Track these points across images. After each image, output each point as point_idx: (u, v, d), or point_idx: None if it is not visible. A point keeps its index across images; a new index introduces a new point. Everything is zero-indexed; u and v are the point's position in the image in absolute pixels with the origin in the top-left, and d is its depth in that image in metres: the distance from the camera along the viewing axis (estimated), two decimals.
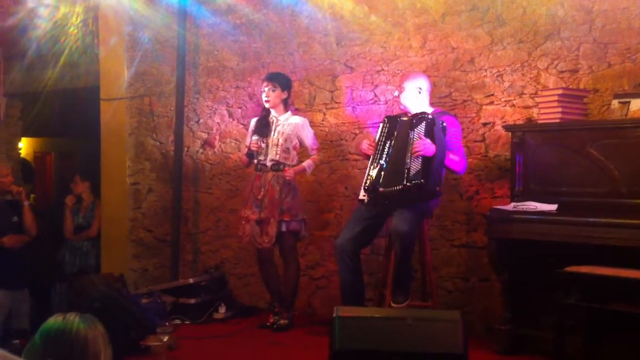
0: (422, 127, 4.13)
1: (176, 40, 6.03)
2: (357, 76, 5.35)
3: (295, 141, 4.86)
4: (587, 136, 3.95)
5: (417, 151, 4.05)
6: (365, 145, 4.38)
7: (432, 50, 5.00)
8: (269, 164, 4.78)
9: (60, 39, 6.49)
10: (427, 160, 4.07)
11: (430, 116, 4.15)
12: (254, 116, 5.62)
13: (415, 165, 4.07)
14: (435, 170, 4.12)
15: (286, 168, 4.77)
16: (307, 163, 4.88)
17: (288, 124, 4.84)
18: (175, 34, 6.04)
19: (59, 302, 5.96)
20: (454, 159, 4.24)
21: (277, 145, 4.78)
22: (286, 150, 4.80)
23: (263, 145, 4.81)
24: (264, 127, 4.85)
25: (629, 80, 4.25)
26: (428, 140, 4.06)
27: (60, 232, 6.29)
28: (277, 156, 4.77)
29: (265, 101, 4.83)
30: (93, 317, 2.17)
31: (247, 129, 5.80)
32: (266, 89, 4.83)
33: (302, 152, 5.05)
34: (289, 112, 4.93)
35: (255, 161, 4.85)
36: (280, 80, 4.86)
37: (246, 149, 4.91)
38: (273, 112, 4.87)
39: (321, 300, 5.40)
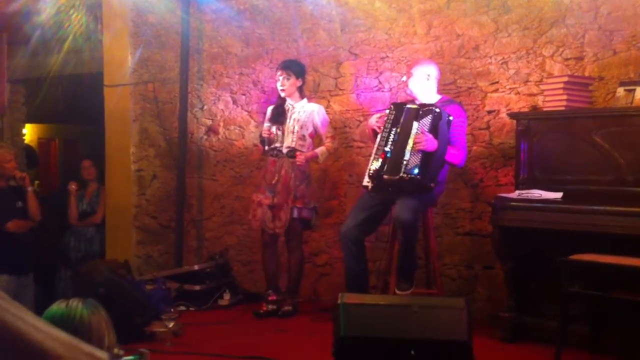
0: (427, 120, 4.12)
1: (180, 26, 6.01)
2: (361, 63, 5.33)
3: (311, 128, 4.86)
4: (592, 124, 3.94)
5: (418, 145, 4.05)
6: (374, 120, 4.38)
7: (437, 37, 4.98)
8: (284, 150, 4.79)
9: (64, 24, 6.47)
10: (426, 156, 4.08)
11: (437, 110, 4.13)
12: (257, 103, 5.63)
13: (414, 159, 4.08)
14: (433, 167, 4.13)
15: (297, 153, 4.77)
16: (320, 150, 4.87)
17: (304, 111, 4.84)
18: (179, 20, 6.02)
19: (64, 288, 5.99)
20: (454, 153, 4.23)
21: (293, 132, 4.80)
22: (302, 138, 4.81)
23: (276, 132, 4.80)
24: (279, 115, 4.85)
25: (634, 67, 4.23)
26: (430, 136, 4.06)
27: (65, 218, 6.31)
28: (293, 143, 4.79)
29: (281, 90, 4.83)
30: (96, 302, 2.18)
31: (251, 116, 5.83)
32: (281, 77, 4.83)
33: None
34: (305, 99, 4.93)
35: (272, 147, 4.85)
36: (294, 68, 4.86)
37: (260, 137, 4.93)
38: (289, 100, 4.87)
39: (325, 287, 5.42)
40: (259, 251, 5.26)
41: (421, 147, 4.05)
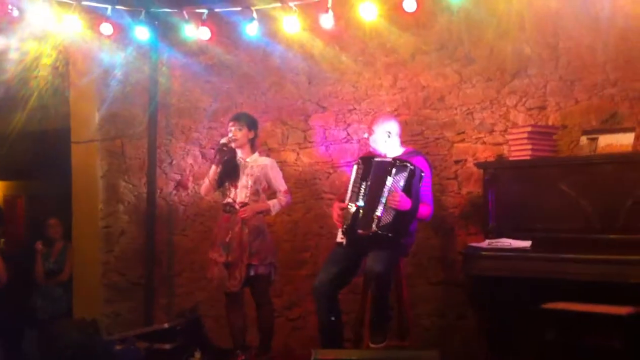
0: (401, 177, 4.12)
1: (147, 82, 6.02)
2: (329, 115, 5.38)
3: (264, 183, 4.77)
4: (558, 172, 4.01)
5: (392, 204, 4.07)
6: (335, 216, 4.36)
7: (402, 89, 5.06)
8: (238, 206, 4.68)
9: (30, 81, 6.45)
10: (399, 214, 4.09)
11: (411, 167, 4.14)
12: None
13: (387, 216, 4.09)
14: (405, 224, 4.15)
15: (243, 208, 4.64)
16: (272, 202, 4.77)
17: (257, 166, 4.75)
18: (146, 76, 6.04)
19: (30, 349, 5.83)
20: (422, 208, 4.25)
21: (247, 187, 4.70)
22: (256, 193, 4.72)
23: (229, 187, 4.72)
24: (232, 170, 4.73)
25: (596, 116, 4.33)
26: (404, 195, 4.07)
27: (31, 276, 6.18)
28: (247, 198, 4.68)
29: (232, 140, 4.73)
30: None
31: None
32: (232, 128, 4.74)
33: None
34: (257, 153, 4.84)
35: (225, 202, 4.77)
36: (247, 120, 4.79)
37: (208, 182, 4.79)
38: (240, 154, 4.77)
39: (299, 341, 5.35)
40: None
41: (395, 206, 4.07)
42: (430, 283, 4.90)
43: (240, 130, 4.74)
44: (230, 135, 4.73)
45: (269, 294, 4.83)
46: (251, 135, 4.79)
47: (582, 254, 3.64)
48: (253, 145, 4.83)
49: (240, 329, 4.83)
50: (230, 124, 4.79)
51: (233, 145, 4.71)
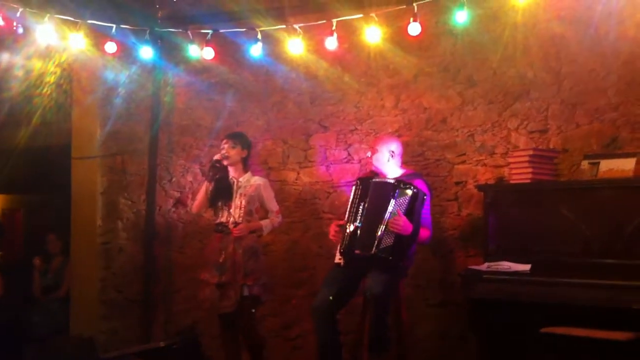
0: (404, 200, 4.12)
1: (150, 100, 6.04)
2: (330, 135, 5.39)
3: (257, 203, 4.75)
4: (559, 196, 4.01)
5: (394, 228, 4.06)
6: (332, 232, 4.36)
7: (404, 110, 5.07)
8: (231, 226, 4.65)
9: (34, 98, 6.47)
10: (400, 238, 4.09)
11: (415, 190, 4.13)
12: None
13: (387, 239, 4.08)
14: (405, 248, 4.15)
15: (237, 227, 4.61)
16: (264, 222, 4.75)
17: (250, 185, 4.74)
18: (149, 94, 6.05)
19: None
20: (422, 232, 4.25)
21: (240, 207, 4.68)
22: (249, 213, 4.70)
23: (222, 206, 4.69)
24: (225, 189, 4.71)
25: (597, 140, 4.34)
26: (406, 220, 4.07)
27: (29, 291, 6.16)
28: (240, 218, 4.65)
29: (225, 158, 4.70)
30: None
31: None
32: (226, 146, 4.73)
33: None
34: (249, 173, 4.82)
35: (218, 222, 4.74)
36: (240, 139, 4.80)
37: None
38: (232, 173, 4.75)
39: None
40: None
41: (397, 231, 4.06)
42: (429, 305, 4.87)
43: (233, 147, 4.73)
44: (223, 152, 4.72)
45: (254, 317, 4.73)
46: (244, 154, 4.78)
47: (582, 278, 3.63)
48: (245, 165, 4.82)
49: (235, 353, 4.78)
50: (224, 141, 4.79)
51: (225, 162, 4.70)
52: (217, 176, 4.70)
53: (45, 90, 6.42)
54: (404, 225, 4.06)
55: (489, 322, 4.03)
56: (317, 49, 5.18)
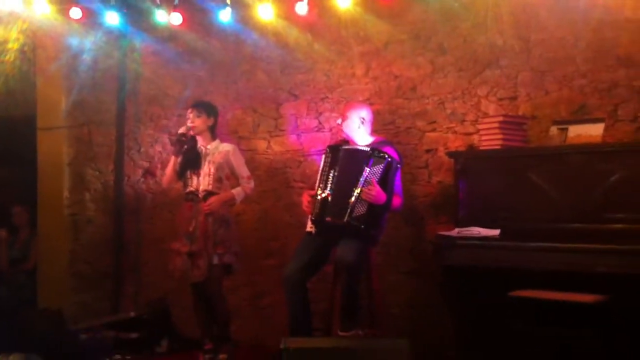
0: (378, 169, 4.09)
1: (116, 68, 5.93)
2: (301, 104, 5.34)
3: (227, 170, 4.71)
4: (528, 162, 4.02)
5: (367, 197, 4.05)
6: (305, 203, 4.32)
7: (375, 78, 5.04)
8: (201, 194, 4.62)
9: None
10: (373, 207, 4.07)
11: (389, 158, 4.11)
12: None
13: (360, 207, 4.07)
14: (377, 217, 4.14)
15: (208, 202, 4.57)
16: (236, 190, 4.70)
17: (218, 152, 4.69)
18: (115, 62, 5.95)
19: None
20: (394, 200, 4.23)
21: (209, 175, 4.64)
22: (219, 180, 4.65)
23: (191, 175, 4.66)
24: (194, 158, 4.67)
25: (566, 107, 4.36)
26: (379, 189, 4.05)
27: None
28: (210, 186, 4.62)
29: (191, 127, 4.66)
30: (38, 357, 2.08)
31: None
32: (191, 115, 4.68)
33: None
34: (217, 140, 4.77)
35: (188, 191, 4.70)
36: (205, 107, 4.74)
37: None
38: (200, 142, 4.71)
39: (269, 330, 5.32)
40: None
41: (370, 200, 4.05)
42: (400, 272, 4.89)
43: (198, 116, 4.68)
44: (188, 123, 4.67)
45: (221, 285, 4.72)
46: (210, 122, 4.73)
47: (550, 242, 3.66)
48: (213, 133, 4.77)
49: (208, 318, 4.77)
50: (189, 110, 4.73)
51: (192, 132, 4.65)
52: (184, 148, 4.64)
53: (7, 57, 6.27)
54: (378, 194, 4.05)
55: (459, 288, 4.06)
56: (288, 14, 5.12)
